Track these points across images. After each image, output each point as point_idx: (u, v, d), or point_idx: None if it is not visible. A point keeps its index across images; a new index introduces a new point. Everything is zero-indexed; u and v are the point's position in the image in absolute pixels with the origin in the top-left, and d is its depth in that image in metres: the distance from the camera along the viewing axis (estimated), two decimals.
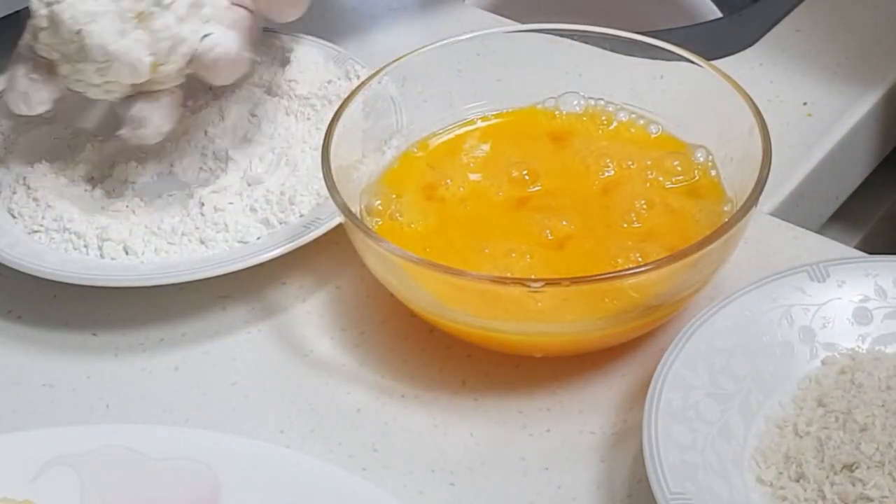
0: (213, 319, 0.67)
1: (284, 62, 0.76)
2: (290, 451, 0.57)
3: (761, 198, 0.59)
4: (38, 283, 0.66)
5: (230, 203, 0.69)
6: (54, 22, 0.65)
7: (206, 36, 0.66)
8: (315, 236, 0.66)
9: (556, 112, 0.71)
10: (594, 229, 0.64)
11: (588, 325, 0.60)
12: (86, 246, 0.68)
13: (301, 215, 0.68)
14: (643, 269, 0.58)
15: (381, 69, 0.68)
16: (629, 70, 0.70)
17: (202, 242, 0.67)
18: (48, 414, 0.63)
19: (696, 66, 0.67)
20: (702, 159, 0.67)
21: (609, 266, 0.61)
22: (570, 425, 0.60)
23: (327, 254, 0.69)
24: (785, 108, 0.78)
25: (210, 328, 0.66)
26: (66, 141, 0.74)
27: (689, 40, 0.72)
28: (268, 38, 0.76)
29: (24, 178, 0.71)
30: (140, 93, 0.67)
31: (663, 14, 1.05)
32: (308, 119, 0.74)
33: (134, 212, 0.70)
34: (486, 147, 0.70)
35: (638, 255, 0.62)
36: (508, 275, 0.61)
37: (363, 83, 0.67)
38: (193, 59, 0.66)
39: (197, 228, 0.68)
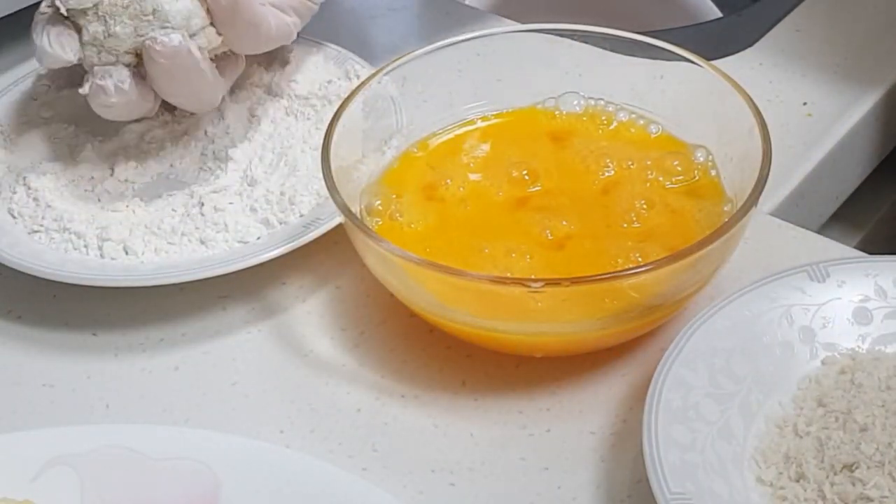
0: (213, 319, 0.67)
1: (284, 62, 0.76)
2: (290, 451, 0.57)
3: (761, 198, 0.59)
4: (38, 283, 0.66)
5: (230, 203, 0.69)
6: None
7: None
8: (315, 236, 0.66)
9: (556, 112, 0.71)
10: (594, 229, 0.64)
11: (588, 325, 0.60)
12: (86, 246, 0.68)
13: (301, 215, 0.68)
14: (643, 269, 0.58)
15: (381, 69, 0.68)
16: (629, 70, 0.70)
17: (202, 242, 0.67)
18: (48, 414, 0.63)
19: (696, 66, 0.67)
20: (702, 159, 0.67)
21: (609, 266, 0.61)
22: (570, 425, 0.60)
23: (327, 254, 0.69)
24: (785, 108, 0.78)
25: (210, 328, 0.66)
26: (66, 141, 0.74)
27: (689, 40, 0.72)
28: None
29: (24, 178, 0.71)
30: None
31: (663, 14, 1.05)
32: (308, 119, 0.74)
33: (134, 212, 0.70)
34: (486, 147, 0.70)
35: (638, 255, 0.62)
36: (508, 275, 0.61)
37: (363, 83, 0.67)
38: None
39: (197, 228, 0.68)
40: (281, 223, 0.68)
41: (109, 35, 0.66)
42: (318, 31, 0.76)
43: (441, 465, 0.59)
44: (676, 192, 0.66)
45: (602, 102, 0.71)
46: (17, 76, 0.78)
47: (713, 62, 0.69)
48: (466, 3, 0.99)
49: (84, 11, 0.66)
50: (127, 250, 0.67)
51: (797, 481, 0.54)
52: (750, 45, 0.83)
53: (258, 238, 0.68)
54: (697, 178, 0.67)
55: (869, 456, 0.54)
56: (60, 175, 0.71)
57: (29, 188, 0.70)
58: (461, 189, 0.67)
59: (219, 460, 0.56)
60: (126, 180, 0.72)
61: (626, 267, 0.60)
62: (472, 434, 0.60)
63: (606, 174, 0.67)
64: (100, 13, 0.66)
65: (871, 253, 0.65)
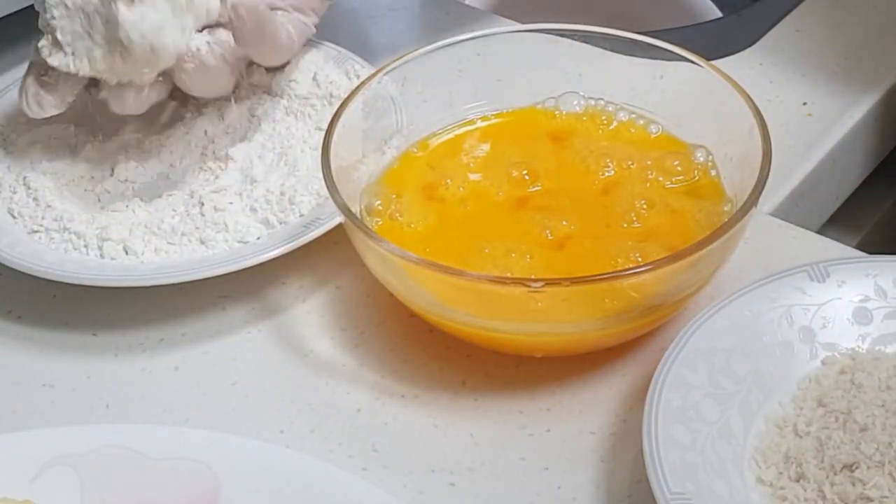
0: (213, 319, 0.67)
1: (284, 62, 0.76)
2: (290, 451, 0.57)
3: (761, 198, 0.59)
4: (38, 283, 0.66)
5: (230, 203, 0.69)
6: (121, 44, 0.65)
7: None
8: (315, 236, 0.66)
9: (556, 112, 0.71)
10: (594, 229, 0.64)
11: (588, 325, 0.60)
12: (86, 246, 0.68)
13: (301, 215, 0.68)
14: (643, 269, 0.58)
15: (381, 69, 0.68)
16: (629, 70, 0.70)
17: (202, 242, 0.67)
18: (48, 414, 0.63)
19: (696, 66, 0.67)
20: (702, 159, 0.67)
21: (609, 266, 0.61)
22: (570, 425, 0.60)
23: (327, 254, 0.69)
24: (785, 108, 0.78)
25: (210, 328, 0.66)
26: (66, 141, 0.74)
27: (689, 40, 0.72)
28: None
29: (24, 178, 0.71)
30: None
31: (663, 14, 1.05)
32: (308, 119, 0.74)
33: (134, 212, 0.70)
34: (486, 147, 0.70)
35: (638, 255, 0.62)
36: (508, 275, 0.61)
37: (363, 83, 0.67)
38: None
39: (197, 228, 0.68)
40: (281, 223, 0.68)
41: (67, 52, 0.67)
42: (318, 31, 0.76)
43: (441, 465, 0.59)
44: (676, 192, 0.66)
45: (602, 102, 0.71)
46: (17, 76, 0.77)
47: (713, 62, 0.69)
48: (466, 3, 0.99)
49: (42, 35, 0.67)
50: (127, 250, 0.67)
51: (797, 481, 0.54)
52: (750, 45, 0.83)
53: (258, 238, 0.68)
54: (697, 178, 0.67)
55: (869, 456, 0.54)
56: (60, 175, 0.71)
57: (29, 188, 0.70)
58: (461, 189, 0.67)
59: (219, 460, 0.56)
60: (126, 180, 0.72)
61: (626, 267, 0.60)
62: (472, 434, 0.60)
63: (606, 174, 0.67)
64: (52, 38, 0.67)
65: (871, 253, 0.65)
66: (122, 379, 0.64)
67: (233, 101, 0.74)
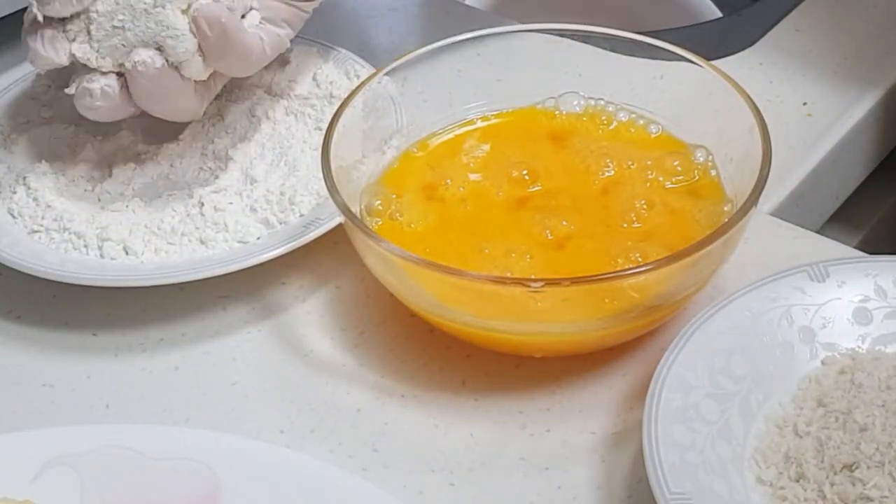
0: (213, 319, 0.67)
1: (284, 62, 0.76)
2: (290, 451, 0.57)
3: (761, 198, 0.59)
4: (38, 283, 0.66)
5: (230, 203, 0.69)
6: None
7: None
8: (315, 236, 0.66)
9: (556, 112, 0.71)
10: (594, 229, 0.64)
11: (588, 325, 0.60)
12: (86, 246, 0.68)
13: (301, 215, 0.68)
14: (643, 269, 0.58)
15: (381, 69, 0.68)
16: (629, 70, 0.70)
17: (202, 242, 0.67)
18: (48, 414, 0.63)
19: (696, 66, 0.67)
20: (702, 159, 0.67)
21: (609, 266, 0.61)
22: (570, 425, 0.60)
23: (327, 254, 0.69)
24: (785, 108, 0.78)
25: (210, 328, 0.66)
26: (66, 141, 0.74)
27: (689, 40, 0.72)
28: None
29: (24, 178, 0.71)
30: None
31: (663, 14, 1.05)
32: (308, 119, 0.74)
33: (134, 212, 0.70)
34: (486, 147, 0.70)
35: (638, 255, 0.62)
36: (508, 275, 0.61)
37: (363, 83, 0.67)
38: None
39: (197, 228, 0.68)
40: (281, 223, 0.68)
41: (94, 47, 0.66)
42: (318, 31, 0.76)
43: (441, 465, 0.59)
44: (676, 192, 0.66)
45: (602, 102, 0.71)
46: (16, 76, 0.78)
47: (713, 62, 0.69)
48: (466, 3, 0.99)
49: (71, 19, 0.66)
50: (127, 250, 0.67)
51: (797, 481, 0.54)
52: (750, 45, 0.83)
53: (258, 238, 0.68)
54: (697, 178, 0.67)
55: (869, 456, 0.54)
56: (60, 175, 0.71)
57: (29, 188, 0.70)
58: (461, 189, 0.67)
59: (219, 460, 0.56)
60: (126, 180, 0.72)
61: (626, 267, 0.60)
62: (472, 434, 0.60)
63: (606, 174, 0.67)
64: (86, 26, 0.66)
65: (871, 253, 0.65)
66: (122, 379, 0.64)
67: (231, 100, 0.74)
